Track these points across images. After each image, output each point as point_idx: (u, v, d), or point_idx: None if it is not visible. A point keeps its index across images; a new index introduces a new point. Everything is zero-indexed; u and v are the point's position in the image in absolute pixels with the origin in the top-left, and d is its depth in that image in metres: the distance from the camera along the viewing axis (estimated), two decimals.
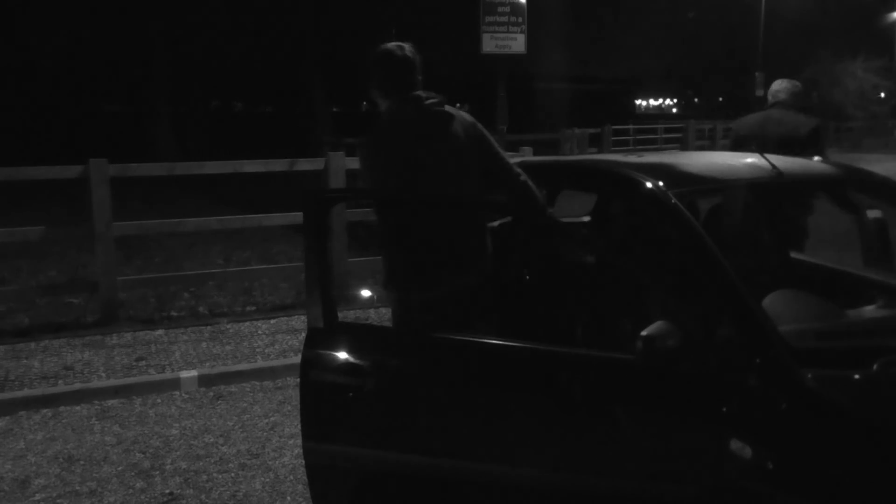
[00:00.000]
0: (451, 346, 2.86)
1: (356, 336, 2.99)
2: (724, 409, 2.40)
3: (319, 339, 2.88)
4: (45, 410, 4.75)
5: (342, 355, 2.86)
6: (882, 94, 37.94)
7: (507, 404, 2.72)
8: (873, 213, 3.55)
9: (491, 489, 2.75)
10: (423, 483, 2.84)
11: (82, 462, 4.09)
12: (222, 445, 4.26)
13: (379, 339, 3.08)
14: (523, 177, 3.22)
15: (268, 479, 3.86)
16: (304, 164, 7.17)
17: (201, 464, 4.04)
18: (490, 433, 2.72)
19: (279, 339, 5.90)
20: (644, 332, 2.43)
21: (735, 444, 2.31)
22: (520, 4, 9.00)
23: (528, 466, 2.67)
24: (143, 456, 4.15)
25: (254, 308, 6.76)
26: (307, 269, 2.92)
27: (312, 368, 2.89)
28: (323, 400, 2.92)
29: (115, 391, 4.96)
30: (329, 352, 2.87)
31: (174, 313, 6.57)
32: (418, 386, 2.84)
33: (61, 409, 4.78)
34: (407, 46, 3.24)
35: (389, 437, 2.84)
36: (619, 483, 2.58)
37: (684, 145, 26.56)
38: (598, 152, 21.76)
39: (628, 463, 2.59)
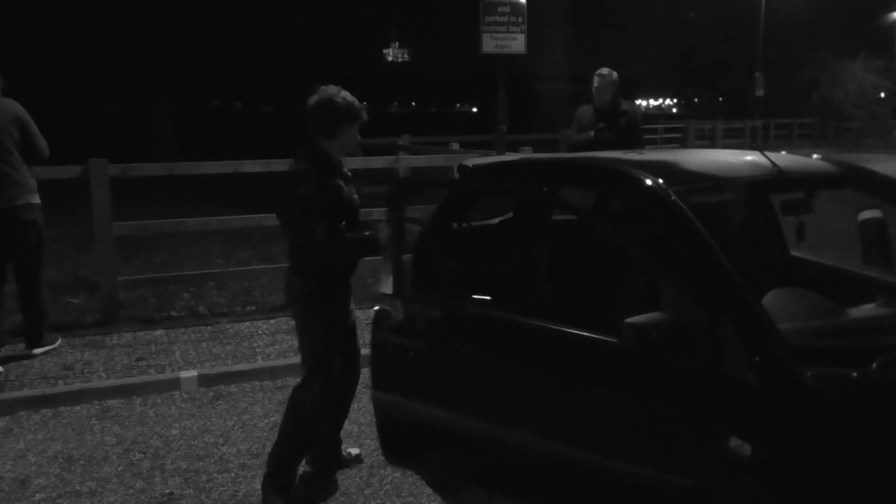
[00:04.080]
0: (486, 320, 3.35)
1: (416, 304, 3.58)
2: (724, 407, 2.41)
3: (388, 302, 3.57)
4: (45, 410, 4.74)
5: (405, 319, 3.53)
6: (882, 94, 37.88)
7: (519, 374, 3.17)
8: (873, 213, 3.55)
9: (511, 451, 3.26)
10: (462, 438, 3.45)
11: (82, 462, 4.08)
12: (222, 445, 4.26)
13: (433, 310, 3.61)
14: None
15: None
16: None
17: (201, 464, 4.04)
18: (512, 402, 3.15)
19: (279, 339, 5.89)
20: (631, 320, 2.49)
21: (734, 442, 2.31)
22: (520, 4, 8.99)
23: (530, 428, 3.09)
24: (143, 456, 4.14)
25: (254, 308, 6.75)
26: (388, 244, 3.42)
27: (379, 328, 3.66)
28: (387, 355, 3.66)
29: (115, 391, 4.95)
30: (394, 316, 3.57)
31: (174, 313, 6.57)
32: (457, 352, 3.42)
33: (61, 409, 4.77)
34: None
35: (439, 395, 3.43)
36: (624, 464, 2.76)
37: (684, 145, 26.53)
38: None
39: (631, 446, 2.73)
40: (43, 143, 5.37)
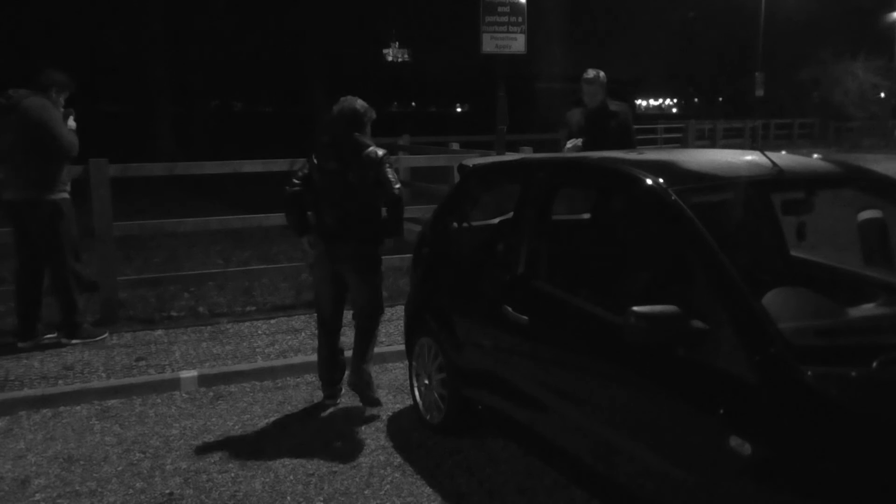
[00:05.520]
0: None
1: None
2: (724, 406, 2.41)
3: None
4: (45, 410, 4.74)
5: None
6: (882, 94, 37.90)
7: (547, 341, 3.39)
8: (873, 213, 3.54)
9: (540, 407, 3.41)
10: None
11: (82, 462, 4.08)
12: (222, 445, 4.26)
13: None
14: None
15: (268, 479, 3.86)
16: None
17: (201, 464, 4.04)
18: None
19: (279, 339, 5.89)
20: (637, 309, 2.50)
21: (735, 441, 2.31)
22: (520, 4, 8.98)
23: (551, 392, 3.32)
24: (143, 456, 4.14)
25: (254, 308, 6.75)
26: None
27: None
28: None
29: (115, 391, 4.95)
30: None
31: (174, 313, 6.57)
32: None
33: (61, 409, 4.77)
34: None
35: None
36: (632, 444, 2.83)
37: (684, 145, 26.56)
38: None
39: (636, 432, 2.79)
40: (62, 142, 5.55)
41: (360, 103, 4.59)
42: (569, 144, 6.32)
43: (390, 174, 4.46)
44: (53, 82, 5.68)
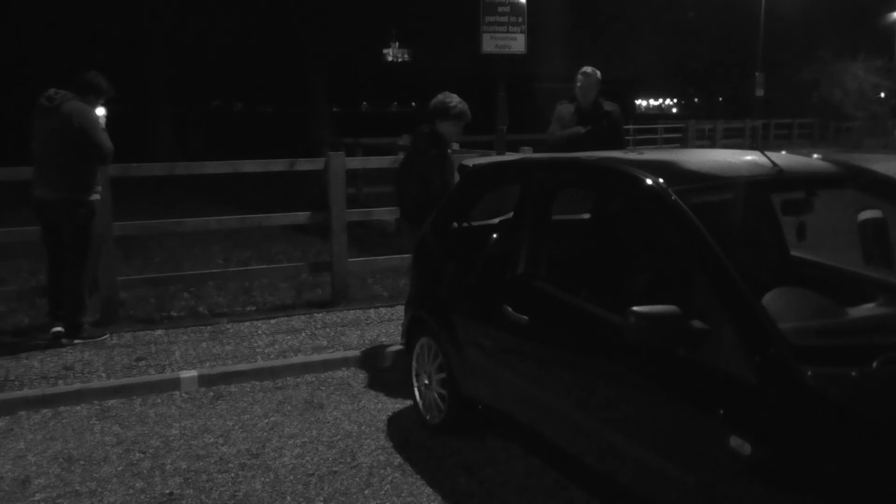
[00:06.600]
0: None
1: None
2: (724, 406, 2.41)
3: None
4: (45, 410, 4.74)
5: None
6: (882, 94, 37.91)
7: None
8: (873, 213, 3.55)
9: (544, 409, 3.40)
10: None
11: (82, 462, 4.08)
12: (222, 445, 4.26)
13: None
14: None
15: (268, 479, 3.86)
16: (304, 164, 7.17)
17: (201, 464, 4.04)
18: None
19: (279, 339, 5.89)
20: (637, 309, 2.50)
21: (735, 441, 2.32)
22: (520, 4, 8.98)
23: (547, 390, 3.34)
24: (143, 456, 4.14)
25: (254, 308, 6.75)
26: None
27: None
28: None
29: (115, 391, 4.95)
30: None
31: (174, 313, 6.57)
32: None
33: (61, 409, 4.77)
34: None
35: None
36: (633, 446, 2.82)
37: (684, 145, 26.56)
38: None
39: (636, 432, 2.79)
40: (101, 148, 5.64)
41: (450, 97, 5.17)
42: (580, 130, 6.34)
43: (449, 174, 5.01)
44: (94, 88, 5.79)
